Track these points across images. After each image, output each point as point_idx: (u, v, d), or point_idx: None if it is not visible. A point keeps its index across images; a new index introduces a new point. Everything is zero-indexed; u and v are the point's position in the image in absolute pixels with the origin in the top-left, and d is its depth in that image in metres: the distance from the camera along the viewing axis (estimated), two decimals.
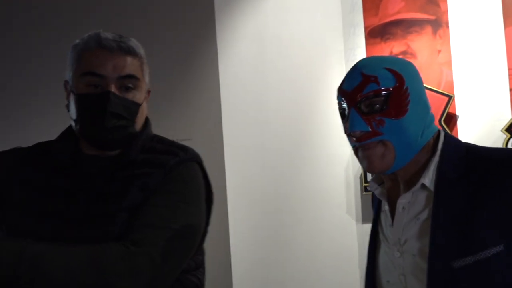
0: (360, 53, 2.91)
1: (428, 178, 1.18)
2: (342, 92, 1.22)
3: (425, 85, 2.70)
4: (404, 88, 1.17)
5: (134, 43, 1.33)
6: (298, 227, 2.93)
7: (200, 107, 2.87)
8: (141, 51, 1.34)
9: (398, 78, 1.18)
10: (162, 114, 2.84)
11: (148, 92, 1.39)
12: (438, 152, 1.19)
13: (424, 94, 1.23)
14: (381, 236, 1.30)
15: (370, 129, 1.17)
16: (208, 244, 2.78)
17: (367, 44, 2.87)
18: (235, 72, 2.97)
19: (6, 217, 1.24)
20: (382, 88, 1.17)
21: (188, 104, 2.86)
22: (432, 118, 1.24)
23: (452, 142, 1.22)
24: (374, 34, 2.87)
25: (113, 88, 1.24)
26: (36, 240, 1.13)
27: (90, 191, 1.23)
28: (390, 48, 2.81)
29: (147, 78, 1.36)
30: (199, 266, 1.37)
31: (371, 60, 1.23)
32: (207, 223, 1.39)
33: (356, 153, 1.23)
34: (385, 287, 1.26)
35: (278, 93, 2.95)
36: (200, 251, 1.39)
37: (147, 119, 1.39)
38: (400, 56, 2.78)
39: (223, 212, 2.84)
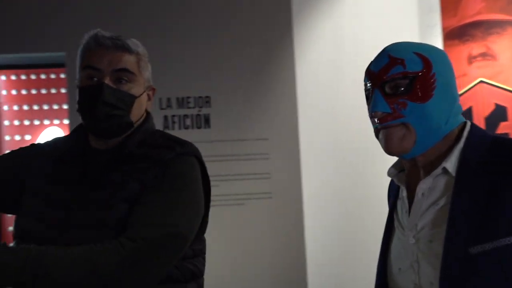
0: None
1: (451, 163, 1.16)
2: (368, 73, 1.22)
3: (505, 87, 2.64)
4: (431, 73, 1.16)
5: (132, 42, 1.40)
6: (373, 227, 2.95)
7: (277, 108, 2.94)
8: (139, 49, 1.42)
9: (426, 63, 1.17)
10: (241, 115, 2.94)
11: (152, 90, 1.48)
12: (463, 139, 1.18)
13: (453, 84, 1.21)
14: (396, 223, 1.29)
15: (391, 111, 1.16)
16: (284, 245, 2.85)
17: (444, 45, 2.85)
18: (312, 74, 3.03)
19: (25, 202, 1.37)
20: (408, 71, 1.16)
21: (265, 105, 2.94)
22: (459, 108, 1.22)
23: (479, 132, 1.20)
24: (452, 35, 2.84)
25: (107, 80, 1.33)
26: (40, 240, 1.24)
27: (93, 181, 1.33)
28: (469, 50, 2.78)
29: (146, 75, 1.44)
30: (197, 254, 1.41)
31: (401, 44, 1.22)
32: (206, 214, 1.44)
33: (377, 135, 1.21)
34: (396, 275, 1.24)
35: (354, 93, 2.98)
36: (199, 241, 1.42)
37: (148, 114, 1.47)
38: (479, 58, 2.75)
39: (299, 211, 2.91)
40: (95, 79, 1.35)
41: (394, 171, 1.30)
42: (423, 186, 1.19)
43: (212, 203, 2.90)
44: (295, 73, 2.96)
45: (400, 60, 1.17)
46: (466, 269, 1.07)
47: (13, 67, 3.42)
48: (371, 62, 1.23)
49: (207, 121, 2.93)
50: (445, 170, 1.16)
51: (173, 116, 2.93)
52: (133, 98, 1.37)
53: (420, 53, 1.18)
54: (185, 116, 2.93)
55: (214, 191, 2.89)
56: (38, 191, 1.36)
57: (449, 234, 1.10)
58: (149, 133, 1.42)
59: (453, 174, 1.15)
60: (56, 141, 1.48)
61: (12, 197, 1.41)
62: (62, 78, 3.31)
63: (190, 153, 1.39)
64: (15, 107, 3.43)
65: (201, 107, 2.93)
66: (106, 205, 1.28)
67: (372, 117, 1.20)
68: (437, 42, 2.90)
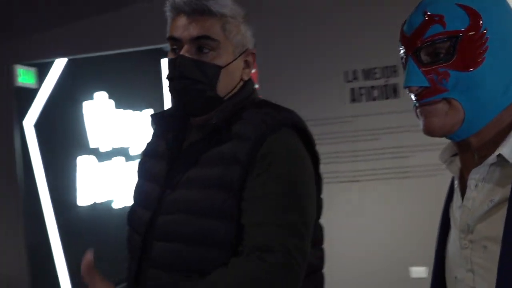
0: None
1: (508, 148, 0.90)
2: (401, 36, 0.99)
3: None
4: (481, 31, 0.90)
5: (216, 2, 1.21)
6: None
7: None
8: (225, 10, 1.22)
9: (474, 17, 0.91)
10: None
11: (252, 54, 1.28)
12: None
13: None
14: (452, 219, 1.05)
15: (430, 85, 0.92)
16: None
17: None
18: None
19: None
20: (449, 30, 0.91)
21: None
22: None
23: None
24: None
25: (185, 50, 1.19)
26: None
27: (186, 159, 1.24)
28: None
29: (237, 39, 1.24)
30: (314, 244, 1.22)
31: None
32: (318, 195, 1.27)
33: (416, 114, 0.98)
34: (452, 285, 1.01)
35: None
36: (316, 228, 1.24)
37: (246, 83, 1.29)
38: None
39: None
40: (177, 50, 1.22)
41: (445, 155, 1.06)
42: (476, 176, 0.95)
43: (402, 175, 2.90)
44: None
45: (438, 17, 0.92)
46: None
47: None
48: (405, 21, 1.00)
49: (395, 91, 2.88)
50: (502, 157, 0.91)
51: (360, 88, 2.95)
52: (217, 69, 1.21)
53: (466, 4, 0.92)
54: (372, 87, 2.93)
55: (403, 162, 2.88)
56: (142, 165, 1.36)
57: (506, 242, 0.87)
58: (245, 104, 1.25)
59: None
60: (162, 114, 1.37)
61: None
62: None
63: (284, 123, 1.20)
64: None
65: (388, 77, 2.89)
66: (199, 185, 1.19)
67: (408, 92, 0.98)
68: None
